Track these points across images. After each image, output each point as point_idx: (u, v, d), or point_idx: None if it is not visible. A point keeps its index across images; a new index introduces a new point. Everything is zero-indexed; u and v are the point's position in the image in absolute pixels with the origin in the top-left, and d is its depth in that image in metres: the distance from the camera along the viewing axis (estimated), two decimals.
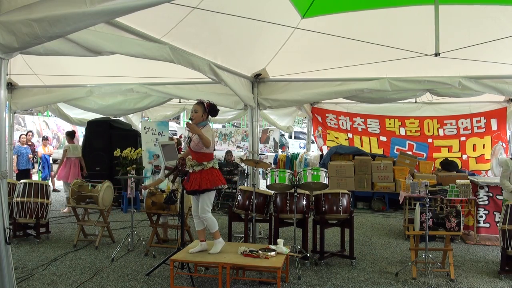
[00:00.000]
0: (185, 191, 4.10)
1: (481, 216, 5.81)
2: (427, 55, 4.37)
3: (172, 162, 4.54)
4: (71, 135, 8.00)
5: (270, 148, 12.38)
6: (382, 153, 9.16)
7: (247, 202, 4.97)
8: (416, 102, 8.69)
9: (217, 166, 4.03)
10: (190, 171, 3.94)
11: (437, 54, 3.96)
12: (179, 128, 14.12)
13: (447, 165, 8.20)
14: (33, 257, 4.93)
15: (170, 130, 13.15)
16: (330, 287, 4.05)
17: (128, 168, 6.96)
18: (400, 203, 6.37)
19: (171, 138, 8.20)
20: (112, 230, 5.80)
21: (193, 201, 4.08)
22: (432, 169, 8.27)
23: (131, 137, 8.67)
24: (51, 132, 13.17)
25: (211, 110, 3.99)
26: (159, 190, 5.48)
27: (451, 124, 8.84)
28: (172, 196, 4.52)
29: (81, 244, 5.47)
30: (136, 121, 10.09)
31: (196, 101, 4.02)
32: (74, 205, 5.44)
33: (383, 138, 9.35)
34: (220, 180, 3.97)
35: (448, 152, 8.85)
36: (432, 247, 4.65)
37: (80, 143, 9.75)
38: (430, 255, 4.29)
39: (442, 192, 5.84)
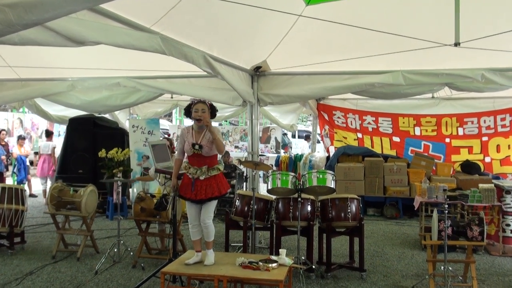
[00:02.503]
0: (187, 199, 4.07)
1: (507, 225, 5.79)
2: (446, 45, 4.35)
3: (164, 164, 4.54)
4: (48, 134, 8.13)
5: (271, 148, 12.37)
6: (395, 154, 9.15)
7: (246, 208, 4.96)
8: (433, 97, 8.67)
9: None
10: (202, 178, 3.95)
11: (457, 44, 3.94)
12: (171, 127, 14.12)
13: (469, 167, 8.18)
14: (6, 270, 4.91)
15: (161, 129, 13.17)
16: None
17: (114, 171, 6.94)
18: (416, 209, 6.37)
19: (168, 136, 8.18)
20: (96, 240, 5.79)
21: (191, 208, 4.08)
22: (451, 171, 8.27)
23: (118, 137, 8.66)
24: (23, 131, 13.11)
25: (214, 110, 4.07)
26: (149, 195, 5.47)
27: (472, 122, 8.82)
28: (163, 202, 4.51)
29: (61, 255, 5.45)
30: (123, 119, 10.09)
31: (197, 100, 4.04)
32: (53, 212, 5.43)
33: (396, 139, 9.34)
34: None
35: (468, 153, 8.84)
36: (452, 259, 4.65)
37: (61, 142, 9.74)
38: (450, 268, 4.28)
39: (463, 198, 5.83)
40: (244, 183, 7.84)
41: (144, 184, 7.49)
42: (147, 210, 5.23)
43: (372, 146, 9.41)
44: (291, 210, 4.81)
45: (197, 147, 3.94)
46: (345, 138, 9.70)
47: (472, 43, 4.21)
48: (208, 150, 3.96)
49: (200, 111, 3.96)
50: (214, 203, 4.07)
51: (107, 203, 7.88)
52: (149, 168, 7.46)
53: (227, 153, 9.50)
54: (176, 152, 4.22)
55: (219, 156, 4.20)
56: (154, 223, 5.67)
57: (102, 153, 7.27)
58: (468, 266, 4.44)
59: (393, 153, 9.23)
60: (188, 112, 4.08)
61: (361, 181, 8.21)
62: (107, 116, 9.54)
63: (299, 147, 21.23)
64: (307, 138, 14.23)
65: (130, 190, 8.54)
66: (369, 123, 9.48)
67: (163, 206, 4.53)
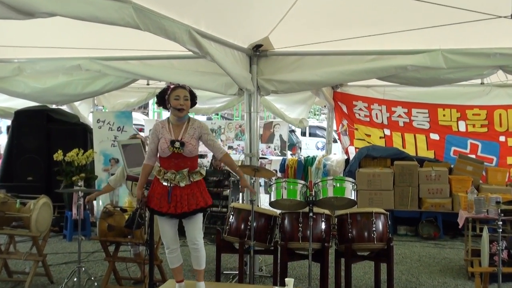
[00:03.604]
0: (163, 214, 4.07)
1: None
2: (500, 17, 4.35)
3: (138, 170, 4.53)
4: None
5: (275, 149, 12.36)
6: (434, 156, 9.16)
7: (242, 226, 4.97)
8: (482, 84, 8.67)
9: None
10: (182, 184, 3.96)
11: None
12: (147, 122, 14.07)
13: None
14: None
15: (135, 124, 13.12)
16: None
17: (73, 178, 6.97)
18: (460, 227, 6.37)
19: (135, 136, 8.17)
20: (50, 266, 5.79)
21: (167, 227, 4.07)
22: (507, 179, 8.27)
23: (79, 134, 8.67)
24: None
25: (194, 98, 4.11)
26: (119, 209, 5.47)
27: None
28: (137, 218, 4.49)
29: (3, 286, 5.44)
30: (85, 112, 10.09)
31: (174, 85, 4.07)
32: None
33: (434, 136, 9.35)
34: None
35: None
36: None
37: (4, 141, 9.73)
38: None
39: None
40: (240, 194, 7.83)
41: (113, 195, 7.49)
42: (116, 228, 5.23)
43: (404, 146, 9.42)
44: (300, 229, 4.81)
45: (177, 144, 3.93)
46: (369, 135, 9.70)
47: None
48: (192, 148, 3.98)
49: (182, 99, 3.98)
50: (201, 217, 4.10)
51: (65, 219, 7.88)
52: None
53: None
54: (146, 155, 4.23)
55: (203, 161, 4.24)
56: (125, 245, 5.66)
57: (58, 156, 7.30)
58: None
59: (430, 155, 9.24)
60: (162, 100, 4.06)
61: (390, 191, 8.21)
62: (64, 108, 9.54)
63: (310, 147, 21.28)
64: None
65: (95, 202, 8.53)
66: (399, 116, 9.48)
67: (136, 223, 4.50)
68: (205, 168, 4.28)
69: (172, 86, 4.06)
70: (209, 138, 4.10)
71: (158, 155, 4.09)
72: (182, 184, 3.95)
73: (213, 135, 4.14)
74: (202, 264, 4.09)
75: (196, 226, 4.05)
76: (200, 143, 4.11)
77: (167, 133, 4.02)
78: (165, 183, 3.99)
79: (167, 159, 4.00)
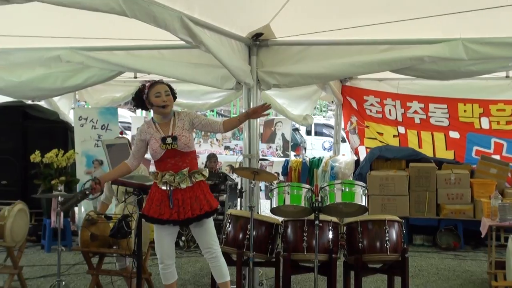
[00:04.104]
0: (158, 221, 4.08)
1: None
2: None
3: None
4: None
5: (276, 150, 12.36)
6: (453, 157, 9.15)
7: (240, 235, 4.97)
8: (508, 77, 8.69)
9: None
10: (183, 186, 4.01)
11: None
12: (134, 119, 14.04)
13: None
14: None
15: (121, 122, 13.12)
16: None
17: (53, 182, 6.95)
18: (483, 236, 6.38)
19: (121, 134, 8.19)
20: (26, 280, 5.79)
21: (166, 237, 4.09)
22: None
23: (58, 133, 8.67)
24: None
25: (174, 93, 4.23)
26: (103, 216, 5.48)
27: None
28: (123, 226, 4.51)
29: None
30: (65, 108, 10.08)
31: (150, 82, 4.15)
32: None
33: (454, 135, 9.34)
34: None
35: None
36: None
37: None
38: None
39: None
40: (238, 200, 7.83)
41: (96, 200, 7.49)
42: (100, 238, 5.24)
43: (420, 146, 9.41)
44: (305, 238, 4.82)
45: (169, 140, 4.01)
46: (381, 134, 9.70)
47: None
48: (186, 140, 4.04)
49: (164, 94, 4.06)
50: (212, 221, 4.14)
51: (43, 228, 7.88)
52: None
53: (214, 156, 9.52)
54: (130, 155, 4.28)
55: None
56: (110, 256, 5.67)
57: (35, 157, 7.29)
58: None
59: (449, 155, 9.23)
60: (140, 101, 4.13)
61: (405, 197, 8.22)
62: (42, 104, 9.53)
63: (316, 147, 21.29)
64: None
65: (76, 209, 8.53)
66: (415, 112, 9.47)
67: (122, 232, 4.53)
68: (207, 169, 4.30)
69: (147, 84, 4.13)
70: (202, 120, 4.20)
71: (151, 160, 4.16)
72: (183, 186, 4.00)
73: (202, 115, 4.25)
74: (226, 275, 4.15)
75: (208, 231, 4.10)
76: (195, 139, 4.15)
77: (156, 133, 4.07)
78: (164, 187, 4.02)
79: (163, 161, 4.04)
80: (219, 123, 4.21)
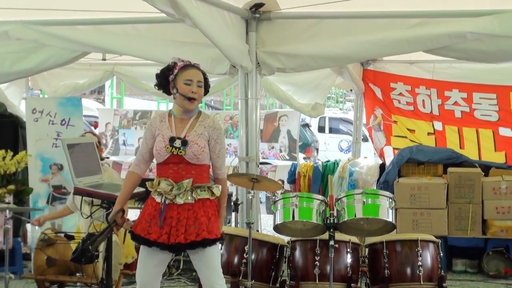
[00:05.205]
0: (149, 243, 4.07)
1: None
2: None
3: (90, 180, 4.56)
4: None
5: (281, 151, 12.33)
6: (505, 161, 9.14)
7: (236, 259, 5.00)
8: None
9: None
10: (180, 201, 3.96)
11: None
12: (103, 112, 13.99)
13: None
14: None
15: (86, 116, 13.01)
16: None
17: None
18: None
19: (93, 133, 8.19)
20: None
21: (152, 265, 4.07)
22: None
23: (6, 130, 8.66)
24: None
25: (207, 85, 4.19)
26: (63, 235, 5.48)
27: None
28: (88, 248, 4.51)
29: None
30: (15, 98, 10.06)
31: (185, 62, 4.11)
32: None
33: (505, 132, 9.34)
34: None
35: None
36: None
37: None
38: None
39: None
40: (233, 214, 7.84)
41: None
42: (59, 262, 5.25)
43: (462, 146, 9.41)
44: (317, 263, 4.83)
45: (178, 143, 3.96)
46: (413, 131, 9.69)
47: None
48: (198, 150, 3.98)
49: (196, 84, 4.02)
50: (217, 251, 4.07)
51: None
52: (63, 188, 7.46)
53: None
54: (135, 158, 4.26)
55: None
56: (72, 285, 5.68)
57: None
58: None
59: (500, 158, 9.22)
60: (165, 80, 4.10)
61: (442, 210, 8.20)
62: None
63: (331, 148, 21.20)
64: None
65: (28, 226, 8.53)
66: (456, 103, 9.46)
67: (88, 255, 4.53)
68: (219, 187, 4.25)
69: (181, 64, 4.09)
70: (218, 148, 4.11)
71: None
72: (179, 201, 3.95)
73: (225, 147, 4.17)
74: None
75: (210, 266, 4.03)
76: None
77: (167, 129, 4.06)
78: (158, 199, 4.01)
79: (165, 165, 4.02)
80: (222, 176, 4.20)
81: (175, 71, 4.05)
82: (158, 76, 4.16)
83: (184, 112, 4.08)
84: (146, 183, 4.14)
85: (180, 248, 4.01)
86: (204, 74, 4.14)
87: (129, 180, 4.18)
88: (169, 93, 4.13)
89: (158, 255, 4.04)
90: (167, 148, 3.95)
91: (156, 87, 4.20)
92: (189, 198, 3.96)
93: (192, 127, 4.04)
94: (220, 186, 4.15)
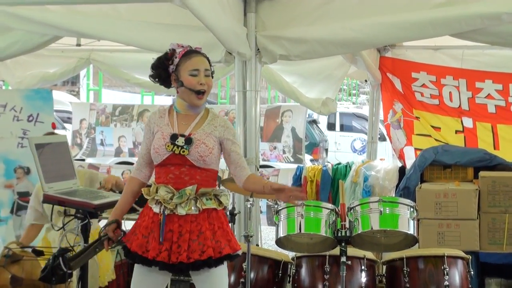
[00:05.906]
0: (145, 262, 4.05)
1: None
2: None
3: (62, 185, 4.54)
4: None
5: (284, 152, 12.37)
6: None
7: (233, 278, 4.99)
8: None
9: None
10: (182, 212, 3.90)
11: None
12: (77, 106, 14.07)
13: None
14: None
15: (57, 111, 13.06)
16: None
17: None
18: None
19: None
20: None
21: (143, 286, 4.05)
22: None
23: None
24: None
25: (212, 71, 4.18)
26: (30, 250, 5.48)
27: None
28: (61, 265, 4.51)
29: None
30: None
31: (191, 48, 4.07)
32: None
33: None
34: None
35: None
36: None
37: None
38: None
39: None
40: (230, 225, 7.88)
41: (19, 227, 7.51)
42: (25, 282, 5.24)
43: (496, 147, 9.44)
44: (326, 283, 4.85)
45: (180, 141, 3.93)
46: (438, 129, 9.71)
47: None
48: (205, 151, 3.95)
49: (203, 74, 4.00)
50: (224, 272, 4.03)
51: None
52: (31, 195, 7.47)
53: None
54: (136, 162, 4.25)
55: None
56: None
57: None
58: None
59: None
60: (163, 71, 4.06)
61: (473, 221, 8.19)
62: None
63: (342, 148, 21.23)
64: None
65: None
66: (489, 96, 9.47)
67: (59, 273, 4.53)
68: (228, 194, 4.23)
69: (181, 50, 4.02)
70: (233, 149, 4.08)
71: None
72: (181, 212, 3.89)
73: (239, 147, 4.13)
74: None
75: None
76: None
77: (167, 126, 4.03)
78: (156, 209, 3.95)
79: (164, 167, 3.98)
80: (245, 174, 4.09)
81: (176, 60, 3.99)
82: (155, 67, 4.08)
83: (191, 108, 4.05)
84: (142, 189, 4.07)
85: (182, 269, 3.91)
86: (208, 60, 4.11)
87: (127, 187, 4.16)
88: (168, 86, 4.11)
89: (156, 277, 3.99)
90: (167, 146, 3.90)
91: (152, 79, 4.13)
92: (193, 208, 3.91)
93: (199, 125, 4.01)
94: (227, 195, 4.14)
